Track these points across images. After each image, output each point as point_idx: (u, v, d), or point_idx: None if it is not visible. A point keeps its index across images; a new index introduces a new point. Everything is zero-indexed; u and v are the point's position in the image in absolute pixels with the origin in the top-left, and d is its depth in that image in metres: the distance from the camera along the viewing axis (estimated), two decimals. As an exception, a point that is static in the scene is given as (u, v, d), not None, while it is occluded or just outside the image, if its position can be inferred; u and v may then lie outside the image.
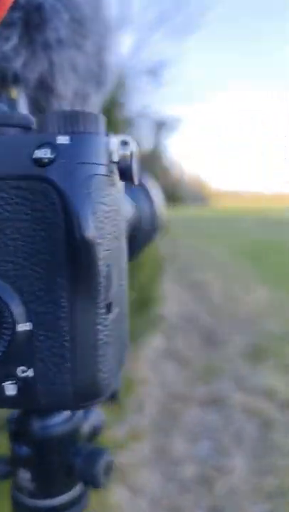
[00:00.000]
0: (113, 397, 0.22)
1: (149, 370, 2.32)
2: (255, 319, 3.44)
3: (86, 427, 0.23)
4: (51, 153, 0.15)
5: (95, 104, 0.21)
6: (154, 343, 2.71)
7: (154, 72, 5.82)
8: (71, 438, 0.22)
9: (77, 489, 0.23)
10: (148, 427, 1.79)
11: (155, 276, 3.02)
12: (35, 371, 0.16)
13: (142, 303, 2.68)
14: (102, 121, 0.17)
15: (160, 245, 5.12)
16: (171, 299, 3.98)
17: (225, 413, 1.95)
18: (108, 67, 0.21)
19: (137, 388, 2.06)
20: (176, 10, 5.25)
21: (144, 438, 1.69)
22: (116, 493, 1.38)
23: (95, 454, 0.21)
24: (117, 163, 0.17)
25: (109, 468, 0.21)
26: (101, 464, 0.21)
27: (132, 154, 0.16)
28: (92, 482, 0.21)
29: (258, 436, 1.76)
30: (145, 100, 5.96)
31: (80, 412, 0.23)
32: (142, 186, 0.28)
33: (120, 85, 2.00)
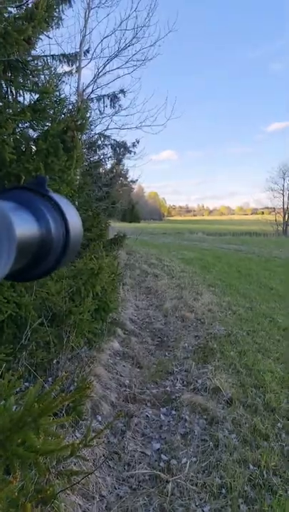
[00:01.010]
0: None
1: (105, 372, 2.18)
2: (203, 322, 3.41)
3: None
4: None
5: None
6: (111, 346, 2.57)
7: (113, 96, 5.75)
8: None
9: None
10: (102, 430, 1.64)
11: (113, 284, 2.90)
12: None
13: (100, 310, 2.54)
14: None
15: (118, 256, 5.00)
16: (128, 305, 3.86)
17: (175, 413, 1.85)
18: None
19: (93, 391, 1.91)
20: (135, 40, 5.19)
21: (97, 442, 1.54)
22: (68, 503, 1.22)
23: None
24: None
25: None
26: None
27: None
28: None
29: (205, 434, 1.68)
30: (106, 123, 5.86)
31: None
32: (55, 205, 0.24)
33: (80, 108, 1.91)
